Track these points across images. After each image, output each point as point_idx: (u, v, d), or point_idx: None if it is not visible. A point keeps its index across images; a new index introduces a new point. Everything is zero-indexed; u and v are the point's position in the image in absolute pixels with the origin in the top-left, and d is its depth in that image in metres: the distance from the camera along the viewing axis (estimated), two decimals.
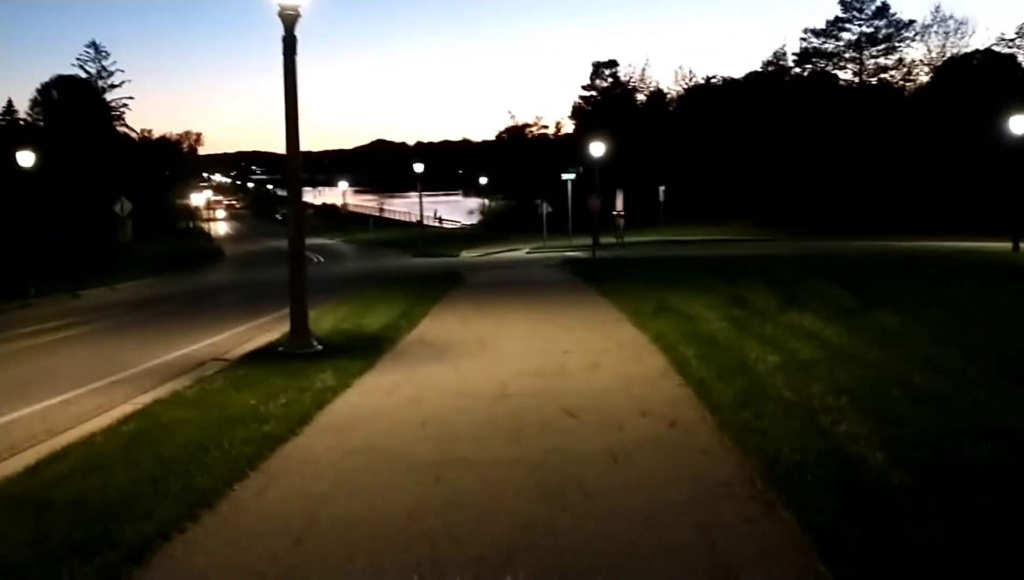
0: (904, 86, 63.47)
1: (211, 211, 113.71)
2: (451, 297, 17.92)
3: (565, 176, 44.65)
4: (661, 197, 49.51)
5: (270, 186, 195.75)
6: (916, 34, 62.90)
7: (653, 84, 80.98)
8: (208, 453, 6.12)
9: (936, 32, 62.62)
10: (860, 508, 4.60)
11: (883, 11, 63.27)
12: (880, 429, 5.95)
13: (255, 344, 12.36)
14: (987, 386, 7.08)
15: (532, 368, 9.44)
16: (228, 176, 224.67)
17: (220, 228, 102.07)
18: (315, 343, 10.88)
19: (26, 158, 29.92)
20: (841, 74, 66.09)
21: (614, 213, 45.25)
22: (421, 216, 59.70)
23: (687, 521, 4.71)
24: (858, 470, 5.21)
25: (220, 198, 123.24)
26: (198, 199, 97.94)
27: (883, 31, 63.38)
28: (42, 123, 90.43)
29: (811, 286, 15.18)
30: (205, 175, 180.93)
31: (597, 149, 40.42)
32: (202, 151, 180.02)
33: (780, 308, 12.42)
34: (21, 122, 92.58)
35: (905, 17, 63.74)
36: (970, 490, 4.75)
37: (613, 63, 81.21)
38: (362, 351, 10.76)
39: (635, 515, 4.83)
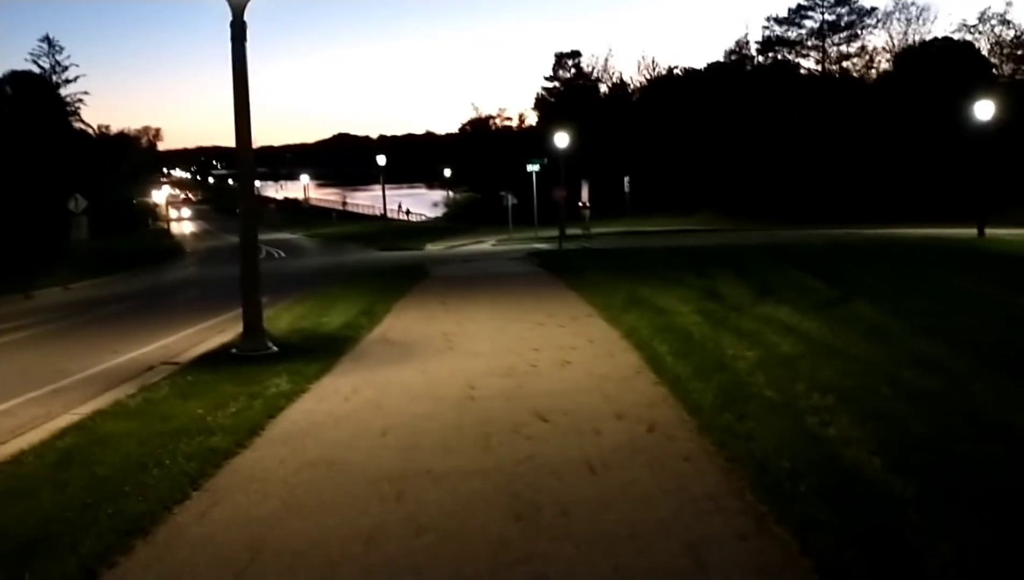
0: (867, 74, 63.79)
1: (176, 209, 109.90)
2: (416, 292, 17.39)
3: (530, 167, 44.20)
4: (626, 188, 49.21)
5: (231, 181, 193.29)
6: (878, 21, 63.31)
7: (616, 74, 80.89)
8: (147, 471, 5.58)
9: (898, 19, 63.03)
10: (861, 523, 4.20)
11: None
12: (873, 431, 5.57)
13: (208, 346, 11.77)
14: (979, 380, 6.75)
15: (501, 367, 8.98)
16: (188, 171, 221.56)
17: (183, 225, 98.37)
18: (270, 344, 10.32)
19: None
20: (804, 62, 66.46)
21: (579, 204, 44.88)
22: (384, 209, 58.95)
23: (675, 541, 4.29)
24: (854, 478, 4.82)
25: (178, 193, 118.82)
26: (159, 196, 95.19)
27: (845, 18, 63.73)
28: None
29: (784, 276, 14.87)
30: (165, 170, 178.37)
31: (561, 140, 40.00)
32: (162, 146, 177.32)
33: (755, 300, 12.07)
34: None
35: (867, 4, 64.17)
36: (977, 499, 4.37)
37: (576, 54, 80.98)
38: (320, 352, 10.23)
39: (618, 535, 4.39)
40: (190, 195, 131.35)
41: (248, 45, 9.92)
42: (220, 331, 13.45)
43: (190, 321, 15.68)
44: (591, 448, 5.91)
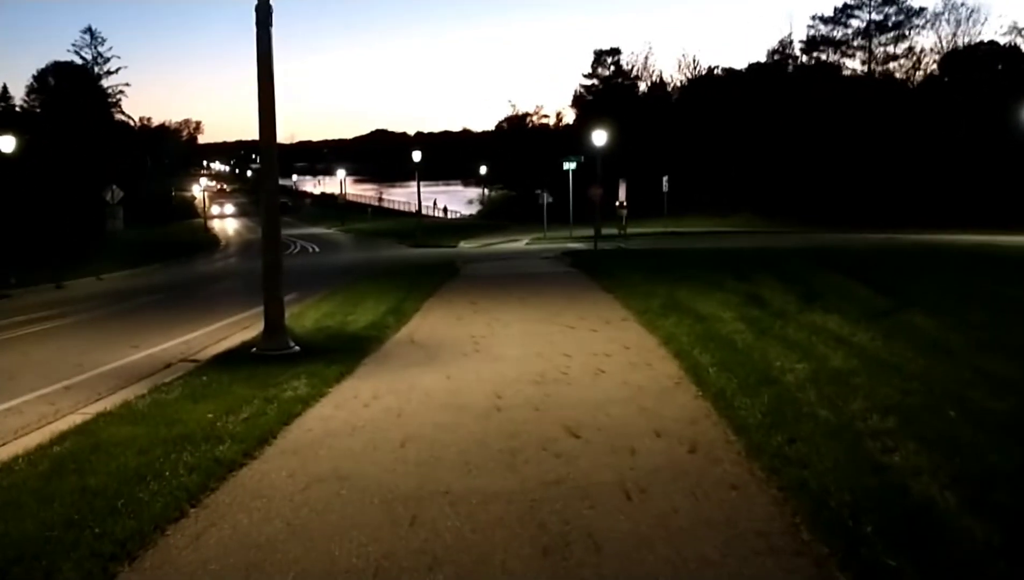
0: (913, 76, 62.30)
1: (219, 204, 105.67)
2: (446, 291, 16.94)
3: (566, 165, 43.57)
4: (664, 187, 48.34)
5: None
6: (927, 22, 61.67)
7: (656, 73, 79.89)
8: (143, 484, 5.15)
9: (947, 20, 61.44)
10: (940, 575, 3.64)
11: None
12: (943, 461, 4.98)
13: (230, 343, 11.41)
14: None
15: (530, 374, 8.47)
16: (227, 164, 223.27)
17: (225, 221, 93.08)
18: (291, 344, 9.90)
19: (7, 143, 28.82)
20: (849, 63, 64.93)
21: (616, 204, 44.20)
22: (419, 205, 58.65)
23: None
24: (927, 518, 4.24)
25: (213, 184, 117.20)
26: (197, 190, 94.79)
27: (893, 19, 62.15)
28: (38, 110, 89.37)
29: (830, 282, 14.19)
30: (205, 163, 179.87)
31: (599, 138, 39.36)
32: (202, 139, 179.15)
33: (800, 307, 11.43)
34: (17, 109, 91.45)
35: (916, 4, 62.58)
36: None
37: (616, 51, 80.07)
38: (343, 353, 9.78)
39: (657, 579, 3.86)
40: (224, 186, 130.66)
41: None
42: (244, 327, 13.11)
43: (216, 316, 15.38)
44: (627, 470, 5.38)
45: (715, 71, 75.27)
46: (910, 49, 62.42)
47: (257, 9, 9.41)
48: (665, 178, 48.06)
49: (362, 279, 20.38)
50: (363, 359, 9.56)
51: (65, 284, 28.79)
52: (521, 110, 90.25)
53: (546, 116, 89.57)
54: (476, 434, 6.35)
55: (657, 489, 5.03)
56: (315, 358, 9.36)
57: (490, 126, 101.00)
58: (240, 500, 5.05)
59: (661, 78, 79.35)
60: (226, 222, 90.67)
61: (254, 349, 9.93)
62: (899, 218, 46.16)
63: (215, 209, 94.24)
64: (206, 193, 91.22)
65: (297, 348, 9.87)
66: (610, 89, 77.82)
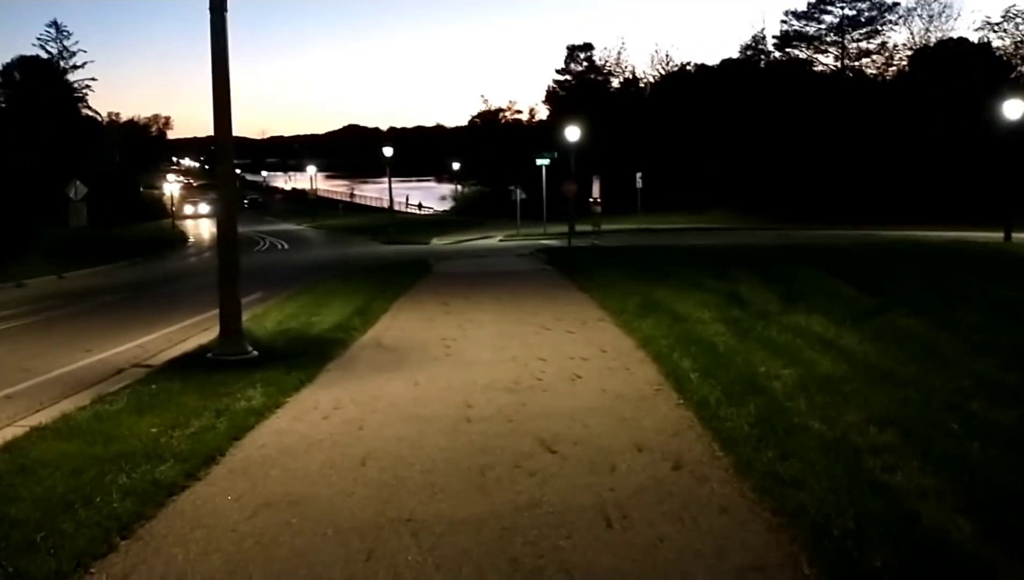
0: (886, 71, 62.36)
1: (192, 203, 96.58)
2: (416, 290, 16.43)
3: (539, 161, 43.14)
4: (639, 184, 48.03)
5: (238, 171, 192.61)
6: (900, 17, 61.72)
7: (629, 68, 79.52)
8: (70, 513, 4.61)
9: (920, 15, 61.59)
10: None
11: None
12: (951, 480, 4.58)
13: (187, 346, 10.83)
14: None
15: (503, 381, 8.00)
16: (197, 160, 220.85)
17: (196, 220, 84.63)
18: (248, 348, 9.35)
19: None
20: (822, 58, 64.85)
21: (590, 200, 43.86)
22: (391, 202, 57.99)
23: None
24: (942, 549, 3.81)
25: (182, 180, 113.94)
26: (170, 187, 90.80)
27: (866, 14, 62.14)
28: (3, 105, 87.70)
29: (811, 280, 13.83)
30: (175, 159, 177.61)
31: (572, 134, 39.02)
32: (172, 135, 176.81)
33: (783, 307, 11.04)
34: None
35: (889, 0, 62.58)
36: None
37: (588, 46, 79.61)
38: (305, 357, 9.26)
39: None
40: (193, 181, 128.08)
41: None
42: (205, 329, 12.49)
43: (177, 316, 14.77)
44: (607, 491, 4.92)
45: (688, 67, 75.08)
46: (883, 45, 62.58)
47: None
48: (639, 174, 47.77)
49: (330, 278, 19.81)
50: (326, 365, 9.04)
51: (25, 282, 27.89)
52: (494, 105, 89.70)
53: (519, 111, 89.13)
54: (444, 450, 5.87)
55: (640, 514, 4.57)
56: (274, 364, 8.83)
57: (464, 122, 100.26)
58: (178, 530, 4.53)
59: (634, 74, 79.05)
60: (200, 222, 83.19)
61: (210, 354, 9.37)
62: (873, 214, 46.12)
63: (188, 209, 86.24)
64: (175, 189, 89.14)
65: (255, 353, 9.33)
66: (583, 85, 77.40)
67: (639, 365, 8.49)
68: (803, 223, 45.11)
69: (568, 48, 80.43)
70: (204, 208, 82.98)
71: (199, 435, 6.19)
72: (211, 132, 8.99)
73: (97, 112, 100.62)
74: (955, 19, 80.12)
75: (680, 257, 21.16)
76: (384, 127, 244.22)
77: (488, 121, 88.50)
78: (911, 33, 62.33)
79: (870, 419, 5.80)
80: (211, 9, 8.84)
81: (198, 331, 12.50)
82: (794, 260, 18.10)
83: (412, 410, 7.01)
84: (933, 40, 60.04)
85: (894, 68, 61.76)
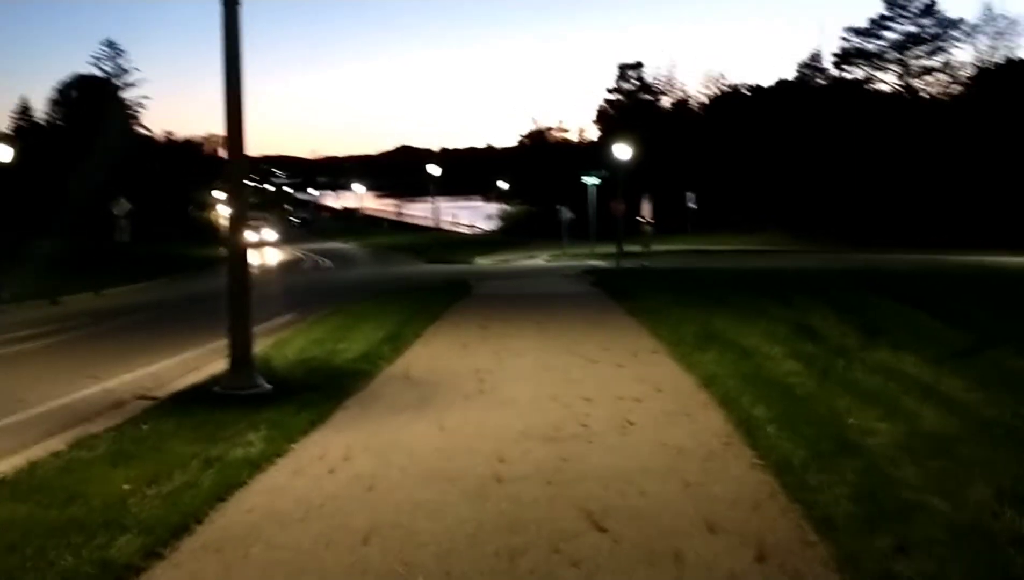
0: (949, 90, 60.00)
1: (252, 228, 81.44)
2: (454, 312, 15.39)
3: (587, 180, 42.02)
4: (690, 204, 46.67)
5: (289, 189, 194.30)
6: (964, 34, 59.27)
7: (681, 88, 78.15)
8: None
9: (986, 32, 59.00)
10: None
11: (930, 9, 59.51)
12: None
13: (199, 375, 9.90)
14: None
15: (541, 426, 6.88)
16: (250, 178, 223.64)
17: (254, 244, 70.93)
18: (260, 381, 8.36)
19: (3, 153, 27.55)
20: (883, 76, 62.54)
21: (640, 220, 42.58)
22: (437, 220, 57.25)
23: None
24: None
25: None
26: (220, 208, 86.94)
27: (929, 30, 59.80)
28: (60, 123, 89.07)
29: (887, 310, 12.50)
30: None
31: (622, 152, 37.77)
32: (226, 154, 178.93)
33: (862, 342, 9.76)
34: (39, 122, 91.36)
35: (953, 15, 60.22)
36: None
37: (639, 65, 78.47)
38: (322, 392, 8.25)
39: None
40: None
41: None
42: (226, 354, 11.57)
43: (201, 338, 13.87)
44: None
45: (741, 87, 73.54)
46: (947, 63, 60.21)
47: None
48: (691, 195, 46.35)
49: (368, 297, 18.87)
50: (344, 401, 8.01)
51: (61, 299, 27.41)
52: (543, 125, 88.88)
53: (566, 130, 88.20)
54: (466, 523, 4.77)
55: None
56: (286, 400, 7.82)
57: (513, 142, 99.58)
58: None
59: (686, 93, 77.70)
60: (265, 251, 61.39)
61: (217, 387, 8.39)
62: (932, 238, 44.14)
63: (248, 235, 66.56)
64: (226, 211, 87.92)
65: (268, 386, 8.34)
66: (634, 104, 76.22)
67: (702, 410, 7.31)
68: (859, 247, 43.30)
69: (619, 67, 79.41)
70: (269, 234, 68.18)
71: (177, 494, 5.17)
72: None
73: (151, 130, 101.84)
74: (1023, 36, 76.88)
75: (736, 281, 19.88)
76: (435, 147, 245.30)
77: (537, 141, 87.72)
78: (976, 51, 59.89)
79: (1003, 494, 4.59)
80: (223, 1, 7.91)
81: (220, 356, 11.53)
82: (862, 286, 16.70)
83: (433, 464, 5.92)
84: (999, 58, 57.66)
85: (958, 87, 59.37)
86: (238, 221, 8.45)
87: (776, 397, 7.20)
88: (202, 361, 11.42)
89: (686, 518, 4.75)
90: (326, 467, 5.90)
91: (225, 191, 8.35)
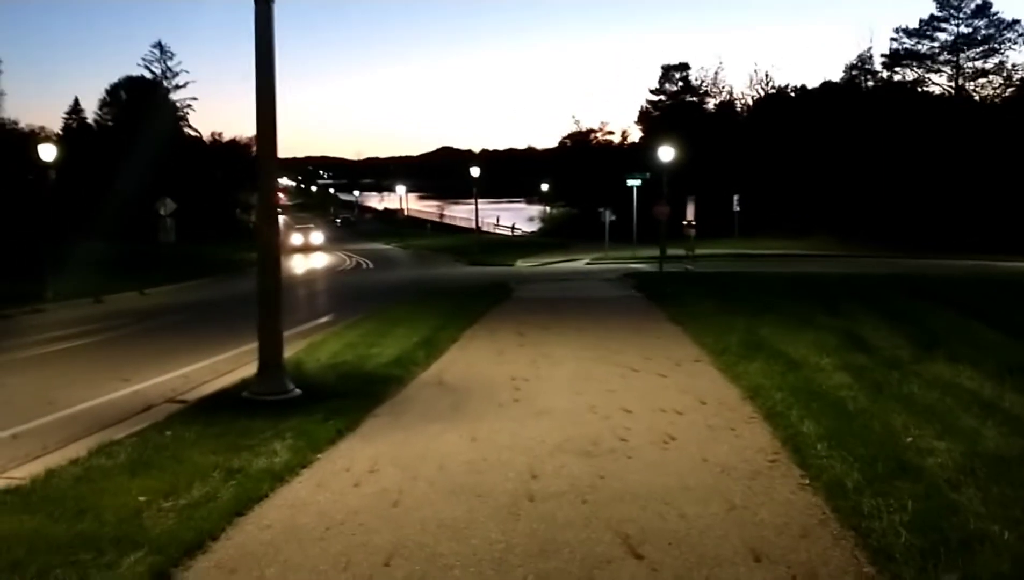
0: (1004, 92, 58.33)
1: (301, 230, 67.01)
2: (492, 317, 15.13)
3: (630, 182, 41.46)
4: (735, 207, 45.89)
5: (332, 190, 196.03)
6: (1020, 35, 57.51)
7: (726, 89, 77.09)
8: None
9: None
10: None
11: (983, 10, 57.80)
12: None
13: (229, 379, 9.75)
14: None
15: (578, 439, 6.58)
16: (294, 179, 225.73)
17: (300, 247, 59.97)
18: (290, 386, 8.16)
19: (47, 152, 27.89)
20: (935, 78, 60.94)
21: (684, 223, 41.98)
22: (476, 222, 57.11)
23: None
24: None
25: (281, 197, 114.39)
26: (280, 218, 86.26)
27: (983, 31, 58.12)
28: (111, 123, 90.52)
29: (941, 320, 11.98)
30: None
31: (665, 154, 37.22)
32: None
33: (917, 354, 9.29)
34: (89, 122, 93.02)
35: (1008, 17, 58.52)
36: None
37: (684, 66, 77.55)
38: (352, 398, 8.04)
39: None
40: (284, 198, 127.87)
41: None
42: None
43: (237, 339, 13.71)
44: None
45: (788, 88, 72.35)
46: (1000, 65, 58.50)
47: None
48: (736, 197, 45.61)
49: (406, 300, 18.69)
50: (374, 408, 7.78)
51: (105, 298, 27.65)
52: (585, 126, 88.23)
53: (611, 132, 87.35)
54: (495, 544, 4.49)
55: None
56: (315, 406, 7.61)
57: (555, 144, 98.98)
58: None
59: (731, 94, 76.64)
60: (312, 256, 55.15)
61: (245, 392, 8.20)
62: (983, 244, 42.99)
63: (295, 238, 58.35)
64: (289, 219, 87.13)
65: (297, 391, 8.14)
66: (678, 105, 75.39)
67: (747, 425, 6.95)
68: (909, 252, 42.30)
69: (663, 68, 78.55)
70: (317, 237, 60.86)
71: (195, 508, 4.96)
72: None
73: (198, 131, 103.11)
74: None
75: (783, 286, 19.36)
76: (477, 149, 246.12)
77: (579, 142, 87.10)
78: None
79: None
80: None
81: (253, 359, 11.37)
82: (913, 294, 16.14)
83: (463, 478, 5.65)
84: None
85: (1013, 89, 57.64)
86: (268, 219, 8.24)
87: (826, 412, 6.81)
88: (235, 363, 11.28)
89: (729, 545, 4.42)
90: (351, 480, 5.66)
91: (257, 189, 8.09)
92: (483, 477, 5.66)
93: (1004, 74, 58.45)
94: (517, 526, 4.76)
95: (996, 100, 58.91)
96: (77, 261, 36.49)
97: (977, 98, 59.87)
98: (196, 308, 23.01)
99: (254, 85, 7.98)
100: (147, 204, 44.75)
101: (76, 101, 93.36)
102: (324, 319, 16.71)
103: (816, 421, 6.54)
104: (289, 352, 11.22)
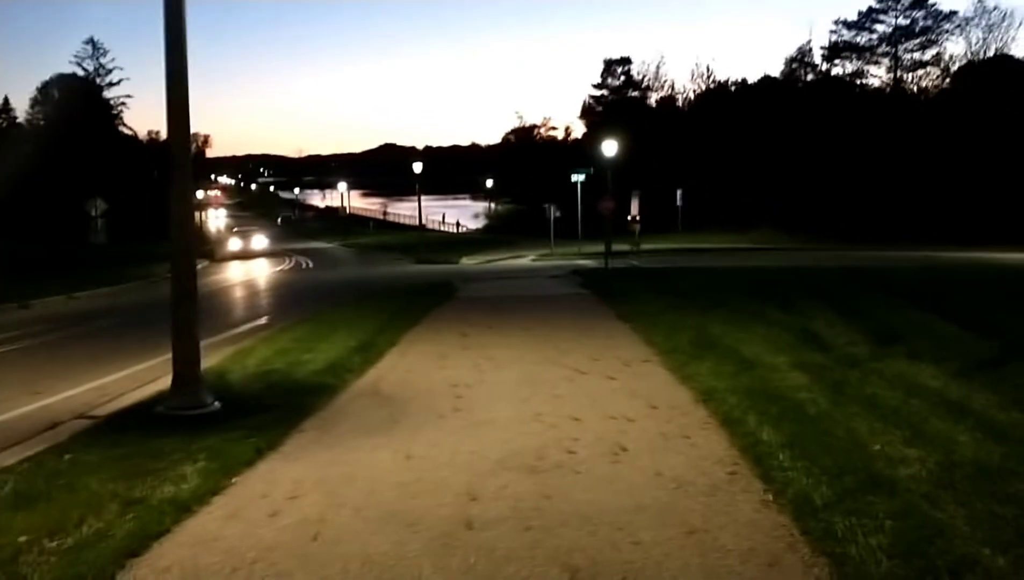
0: (942, 84, 59.27)
1: (240, 234, 53.97)
2: (435, 317, 14.54)
3: (574, 177, 41.15)
4: (679, 201, 45.84)
5: (272, 188, 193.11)
6: (956, 27, 58.54)
7: (668, 83, 77.38)
8: None
9: (978, 25, 58.24)
10: None
11: (921, 1, 58.76)
12: None
13: (147, 391, 9.00)
14: None
15: (522, 453, 6.05)
16: (235, 178, 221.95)
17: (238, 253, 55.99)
18: (209, 400, 7.49)
19: None
20: (874, 70, 61.75)
21: (628, 218, 41.81)
22: (420, 219, 56.35)
23: None
24: None
25: (215, 193, 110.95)
26: (215, 215, 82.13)
27: (921, 23, 59.06)
28: (43, 122, 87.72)
29: (896, 314, 11.69)
30: (213, 177, 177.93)
31: (609, 148, 36.96)
32: (212, 153, 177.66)
33: (875, 351, 8.95)
34: (19, 121, 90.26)
35: (945, 8, 59.39)
36: None
37: (626, 60, 77.78)
38: (278, 411, 7.41)
39: None
40: (222, 197, 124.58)
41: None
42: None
43: (164, 346, 12.83)
44: None
45: (729, 83, 72.81)
46: (938, 57, 59.45)
47: None
48: (679, 192, 45.57)
49: (346, 300, 18.00)
50: (301, 422, 7.15)
51: (31, 303, 26.35)
52: (529, 122, 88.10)
53: (554, 128, 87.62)
54: None
55: None
56: (235, 421, 6.97)
57: (499, 139, 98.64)
58: None
59: (673, 88, 76.94)
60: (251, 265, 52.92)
61: (160, 407, 7.51)
62: (925, 235, 43.58)
63: (233, 244, 49.59)
64: (208, 209, 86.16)
65: (216, 405, 7.47)
66: (620, 100, 75.52)
67: (702, 431, 6.48)
68: (852, 244, 42.69)
69: (605, 62, 78.75)
70: (260, 241, 50.67)
71: (81, 549, 4.32)
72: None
73: (134, 130, 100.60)
74: (1017, 28, 75.82)
75: (731, 281, 19.08)
76: (420, 145, 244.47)
77: (522, 138, 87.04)
78: (969, 44, 59.06)
79: None
80: None
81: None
82: (863, 287, 15.94)
83: (394, 503, 5.08)
84: (992, 52, 56.94)
85: (949, 81, 58.61)
86: (181, 217, 7.53)
87: (785, 416, 6.38)
88: (160, 371, 10.49)
89: (690, 578, 3.92)
90: (268, 508, 5.05)
91: (172, 183, 7.37)
92: (417, 502, 5.10)
93: (941, 66, 59.47)
94: (452, 561, 4.20)
95: (934, 92, 59.85)
96: (3, 264, 35.01)
97: (915, 90, 60.78)
98: (125, 312, 22.01)
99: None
100: (79, 204, 43.33)
101: (6, 100, 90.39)
102: (259, 322, 16.00)
103: (775, 427, 6.10)
104: (215, 359, 10.56)
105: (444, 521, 4.75)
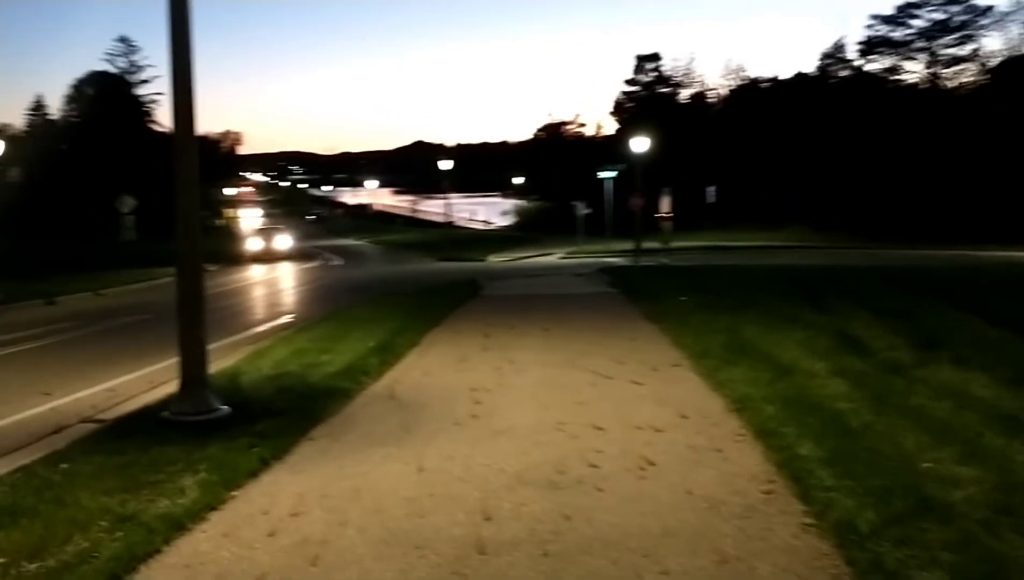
0: (979, 80, 57.90)
1: (263, 234, 52.28)
2: (457, 317, 14.19)
3: (603, 174, 40.67)
4: (710, 199, 45.14)
5: (304, 185, 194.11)
6: (995, 22, 57.05)
7: (700, 80, 76.41)
8: None
9: (1016, 20, 56.79)
10: None
11: None
12: None
13: (157, 393, 8.73)
14: None
15: (542, 467, 5.67)
16: (267, 175, 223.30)
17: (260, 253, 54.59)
18: (215, 404, 7.17)
19: None
20: (909, 66, 60.41)
21: (658, 215, 41.23)
22: (449, 217, 56.04)
23: None
24: None
25: (245, 190, 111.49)
26: (247, 215, 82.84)
27: (958, 18, 57.66)
28: (77, 120, 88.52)
29: (938, 316, 11.15)
30: (243, 174, 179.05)
31: (639, 145, 36.43)
32: (244, 151, 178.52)
33: (918, 356, 8.45)
34: (55, 119, 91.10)
35: (982, 3, 57.99)
36: None
37: (657, 57, 76.76)
38: (288, 417, 7.08)
39: None
40: (253, 194, 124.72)
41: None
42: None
43: None
44: None
45: (761, 81, 71.72)
46: (975, 52, 58.04)
47: None
48: (711, 189, 44.87)
49: (369, 299, 17.71)
50: (310, 430, 6.81)
51: (58, 299, 26.35)
52: (559, 119, 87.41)
53: (583, 124, 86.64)
54: None
55: None
56: (242, 428, 6.65)
57: (529, 137, 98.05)
58: None
59: (705, 85, 75.97)
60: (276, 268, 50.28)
61: (166, 412, 7.21)
62: (960, 233, 42.55)
63: (253, 243, 45.61)
64: (240, 207, 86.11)
65: (225, 409, 7.15)
66: (652, 96, 74.58)
67: (736, 444, 6.06)
68: (888, 243, 41.82)
69: (637, 58, 77.68)
70: (283, 242, 46.42)
71: (63, 571, 4.01)
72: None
73: (165, 127, 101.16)
74: None
75: (763, 280, 18.54)
76: (451, 143, 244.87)
77: (552, 135, 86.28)
78: (1007, 40, 57.56)
79: None
80: None
81: None
82: (901, 287, 15.37)
83: (401, 523, 4.72)
84: None
85: (987, 76, 57.20)
86: (187, 212, 7.20)
87: (825, 429, 5.94)
88: (174, 373, 10.21)
89: None
90: (267, 527, 4.71)
91: (174, 181, 7.04)
92: (426, 521, 4.73)
93: (979, 61, 58.09)
94: None
95: (971, 88, 58.52)
96: (34, 260, 35.20)
97: (952, 86, 59.49)
98: (149, 310, 21.84)
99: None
100: (110, 202, 43.49)
101: (40, 98, 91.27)
102: (284, 320, 15.75)
103: (815, 441, 5.67)
104: (231, 360, 10.30)
105: (455, 544, 4.38)
